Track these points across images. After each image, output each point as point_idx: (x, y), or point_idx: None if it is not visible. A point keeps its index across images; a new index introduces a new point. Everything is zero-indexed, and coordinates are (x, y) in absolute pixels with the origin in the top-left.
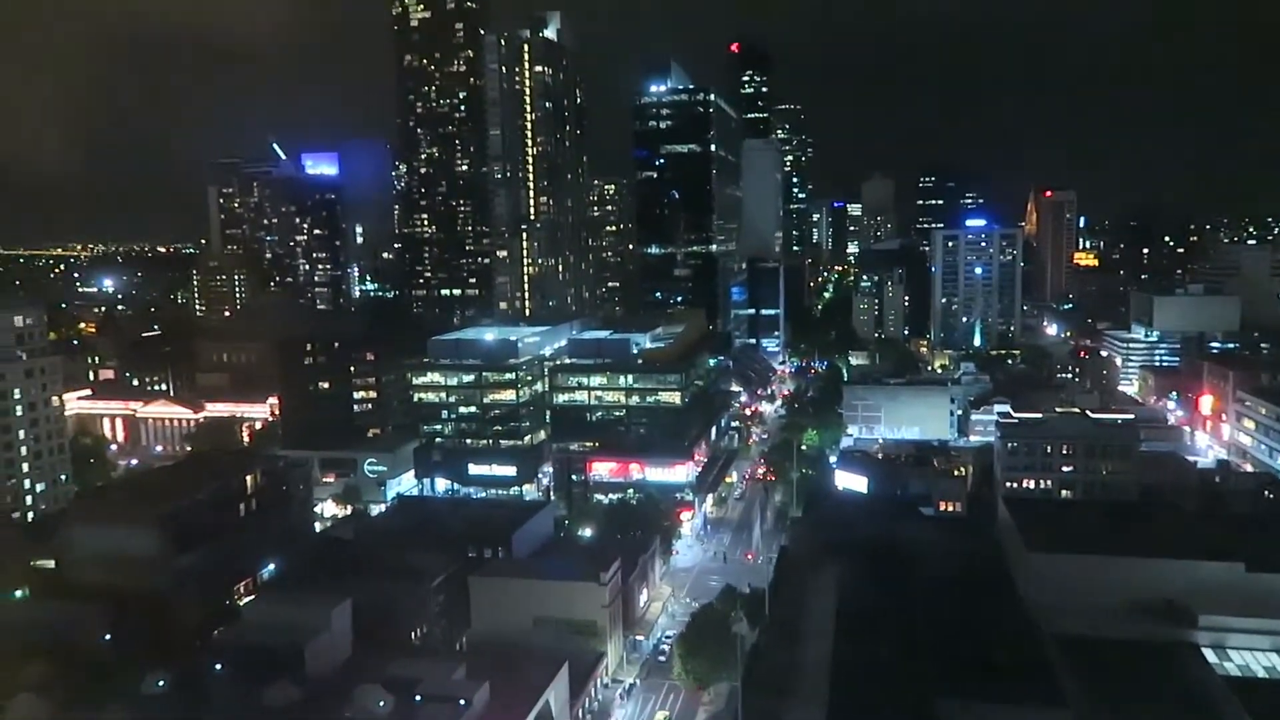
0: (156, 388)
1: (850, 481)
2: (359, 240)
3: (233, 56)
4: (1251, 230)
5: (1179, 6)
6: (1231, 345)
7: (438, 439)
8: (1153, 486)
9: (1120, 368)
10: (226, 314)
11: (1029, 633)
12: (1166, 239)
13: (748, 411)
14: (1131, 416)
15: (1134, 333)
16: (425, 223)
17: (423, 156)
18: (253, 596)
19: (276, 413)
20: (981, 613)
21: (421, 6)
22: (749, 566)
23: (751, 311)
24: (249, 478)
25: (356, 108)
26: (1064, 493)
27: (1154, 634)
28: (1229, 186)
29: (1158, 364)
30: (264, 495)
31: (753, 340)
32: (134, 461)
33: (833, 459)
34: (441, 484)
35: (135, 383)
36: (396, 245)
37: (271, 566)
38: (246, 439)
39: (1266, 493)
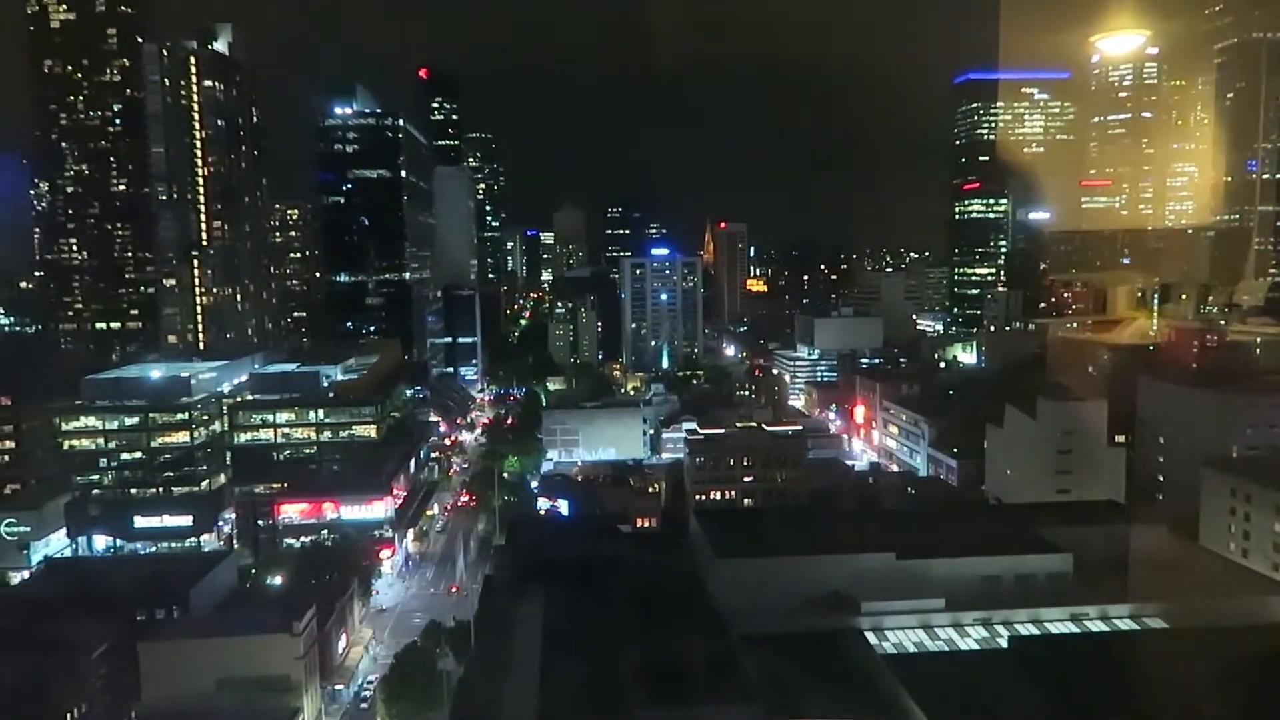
0: None
1: (552, 505)
2: None
3: None
4: (888, 260)
5: (842, 82)
6: (877, 360)
7: (95, 491)
8: (819, 490)
9: (789, 383)
10: None
11: (721, 635)
12: (823, 267)
13: (448, 441)
14: (800, 427)
15: (799, 351)
16: (74, 248)
17: (69, 174)
18: None
19: None
20: (678, 621)
21: (65, 7)
22: (455, 600)
23: (448, 340)
24: None
25: None
26: (746, 501)
27: (825, 624)
28: (869, 223)
29: (819, 379)
30: None
31: (450, 369)
32: None
33: (534, 484)
34: (101, 541)
35: None
36: (38, 274)
37: None
38: None
39: (909, 489)
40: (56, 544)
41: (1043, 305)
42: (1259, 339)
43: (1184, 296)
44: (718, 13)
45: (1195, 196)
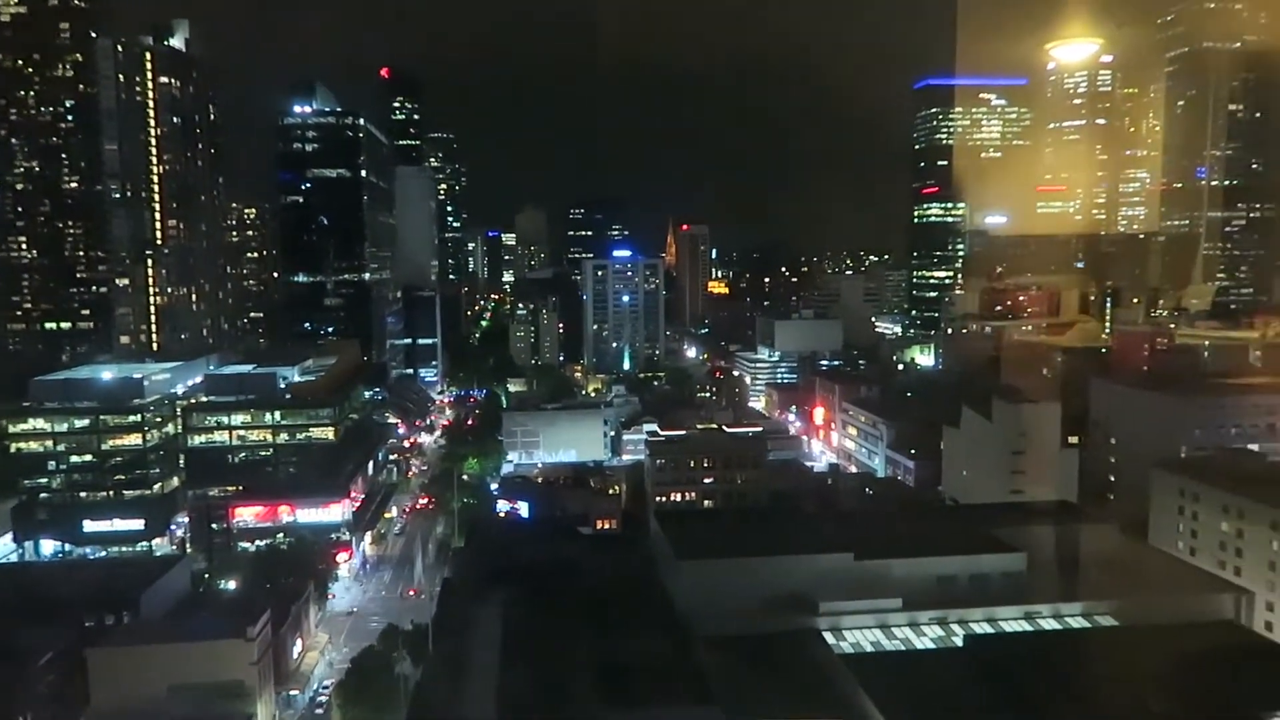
0: None
1: (512, 507)
2: None
3: None
4: (848, 262)
5: (803, 86)
6: (837, 362)
7: (43, 494)
8: (779, 491)
9: (750, 385)
10: None
11: (682, 637)
12: (783, 269)
13: (407, 443)
14: (760, 429)
15: (760, 353)
16: (23, 247)
17: (19, 171)
18: None
19: None
20: (639, 624)
21: (15, 1)
22: (413, 603)
23: (408, 341)
24: None
25: None
26: (706, 502)
27: (784, 624)
28: (830, 226)
29: (780, 381)
30: None
31: (410, 370)
32: None
33: (494, 486)
34: (49, 546)
35: None
36: None
37: None
38: None
39: (867, 489)
40: (2, 549)
41: (999, 308)
42: (1207, 342)
43: (1135, 300)
44: (679, 15)
45: (1146, 202)
